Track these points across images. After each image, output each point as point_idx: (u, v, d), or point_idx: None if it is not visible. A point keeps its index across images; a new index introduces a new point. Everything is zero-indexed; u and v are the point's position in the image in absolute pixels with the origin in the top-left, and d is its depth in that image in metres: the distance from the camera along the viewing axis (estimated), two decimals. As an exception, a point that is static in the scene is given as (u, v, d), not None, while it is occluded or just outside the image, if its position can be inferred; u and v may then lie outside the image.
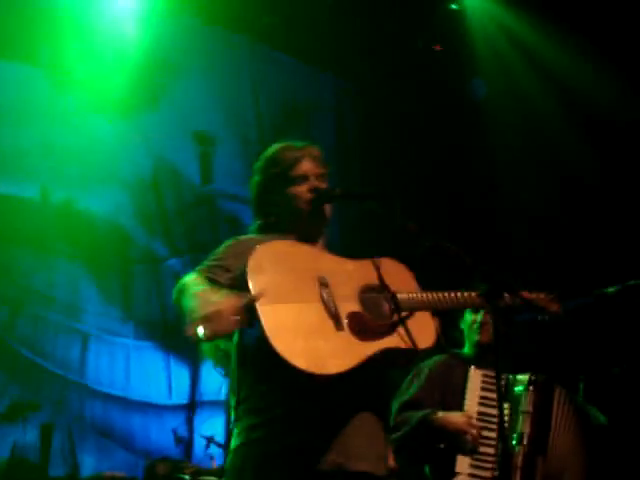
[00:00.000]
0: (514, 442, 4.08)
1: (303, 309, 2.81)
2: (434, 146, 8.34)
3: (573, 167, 7.55)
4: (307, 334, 2.75)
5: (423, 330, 2.93)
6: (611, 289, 4.25)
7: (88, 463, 7.36)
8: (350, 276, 2.97)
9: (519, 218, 7.80)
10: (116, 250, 7.95)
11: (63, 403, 7.43)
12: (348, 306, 2.87)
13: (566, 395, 4.25)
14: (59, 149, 7.45)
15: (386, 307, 2.93)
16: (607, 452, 4.25)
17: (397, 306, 2.92)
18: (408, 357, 2.98)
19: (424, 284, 3.15)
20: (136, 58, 7.64)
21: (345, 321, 2.83)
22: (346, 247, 3.26)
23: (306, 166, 3.16)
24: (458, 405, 4.19)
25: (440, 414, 4.08)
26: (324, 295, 2.85)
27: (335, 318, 2.82)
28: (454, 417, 4.08)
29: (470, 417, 4.09)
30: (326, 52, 8.57)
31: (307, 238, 3.12)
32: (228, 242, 3.10)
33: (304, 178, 3.14)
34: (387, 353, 2.86)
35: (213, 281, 2.89)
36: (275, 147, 3.25)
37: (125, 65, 7.61)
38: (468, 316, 4.49)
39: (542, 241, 7.55)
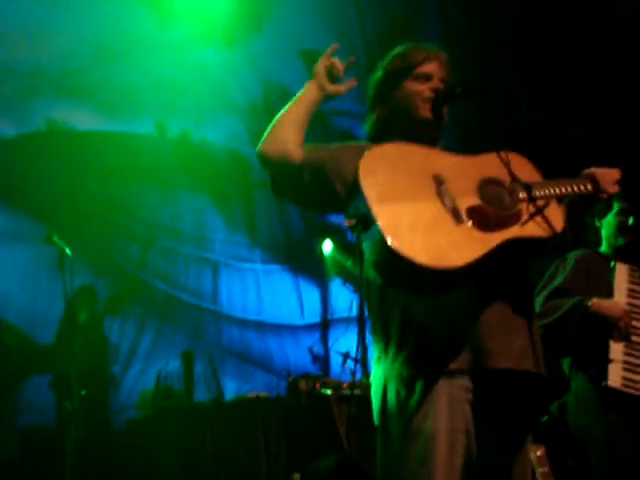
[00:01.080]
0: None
1: (419, 206, 2.73)
2: (549, 47, 8.02)
3: None
4: (426, 230, 2.67)
5: (551, 217, 2.82)
6: None
7: (230, 386, 7.56)
8: (468, 171, 2.88)
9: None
10: (236, 177, 8.03)
11: (200, 331, 7.64)
12: (467, 200, 2.78)
13: None
14: (170, 83, 7.51)
15: (508, 198, 2.84)
16: None
17: (528, 192, 2.83)
18: (539, 247, 2.89)
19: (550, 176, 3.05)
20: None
21: (465, 214, 2.77)
22: (465, 149, 3.18)
23: (432, 67, 3.05)
24: (607, 295, 4.12)
25: (595, 300, 4.02)
26: (441, 191, 2.79)
27: (454, 212, 2.76)
28: (609, 303, 4.02)
29: (624, 306, 4.04)
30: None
31: (424, 139, 3.04)
32: (338, 145, 3.06)
33: (428, 77, 3.04)
34: (515, 243, 2.78)
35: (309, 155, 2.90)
36: (404, 45, 3.16)
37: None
38: (611, 218, 4.37)
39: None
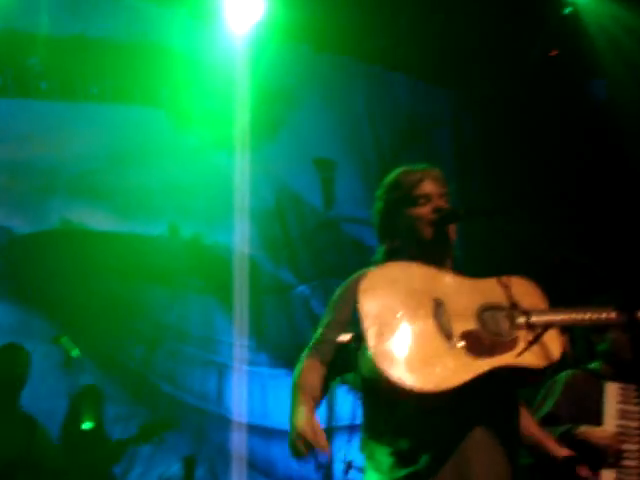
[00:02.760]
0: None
1: (414, 329, 2.78)
2: (559, 154, 8.14)
3: None
4: (417, 355, 2.72)
5: (547, 346, 2.84)
6: None
7: (231, 493, 7.46)
8: (470, 294, 2.91)
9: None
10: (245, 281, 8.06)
11: (204, 435, 7.57)
12: (464, 323, 2.81)
13: None
14: (184, 187, 7.63)
15: (506, 324, 2.85)
16: None
17: (526, 318, 2.84)
18: (533, 375, 2.89)
19: (553, 300, 3.06)
20: (252, 91, 7.74)
21: (459, 337, 2.78)
22: (475, 268, 3.20)
23: (428, 187, 3.12)
24: (594, 420, 4.06)
25: (583, 428, 3.97)
26: (439, 313, 2.81)
27: (448, 335, 2.78)
28: (598, 431, 3.97)
29: (614, 433, 3.97)
30: (440, 68, 8.52)
31: (433, 261, 3.06)
32: (340, 289, 3.12)
33: (427, 199, 3.10)
34: (508, 371, 2.79)
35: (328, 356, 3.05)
36: (395, 172, 3.23)
37: (242, 99, 7.72)
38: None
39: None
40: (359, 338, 2.78)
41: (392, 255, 3.12)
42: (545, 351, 2.81)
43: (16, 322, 7.28)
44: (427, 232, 3.06)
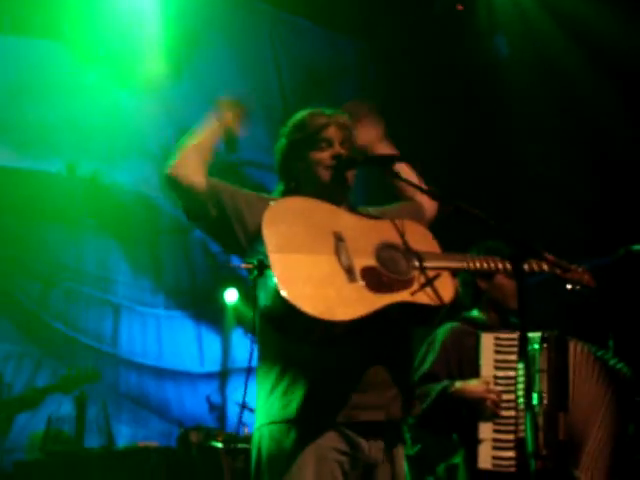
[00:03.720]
0: (534, 402, 4.05)
1: (315, 260, 2.84)
2: (456, 109, 8.27)
3: (601, 123, 7.44)
4: (317, 283, 2.79)
5: (441, 288, 2.93)
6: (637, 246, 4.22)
7: (124, 432, 7.48)
8: (368, 232, 2.99)
9: (542, 182, 7.71)
10: (144, 222, 8.01)
11: (97, 374, 7.55)
12: (363, 260, 2.89)
13: (582, 348, 4.19)
14: (84, 124, 7.50)
15: (403, 264, 2.93)
16: (632, 403, 4.22)
17: (419, 262, 2.93)
18: (427, 314, 2.99)
19: (445, 248, 3.16)
20: (158, 31, 7.63)
21: (358, 274, 2.85)
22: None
23: (331, 132, 3.17)
24: (475, 371, 4.16)
25: (458, 384, 4.05)
26: (339, 248, 2.88)
27: (348, 270, 2.85)
28: (472, 386, 4.04)
29: (488, 383, 4.07)
30: (347, 17, 8.52)
31: (329, 202, 3.14)
32: (251, 192, 3.14)
33: (328, 144, 3.15)
34: (403, 308, 2.88)
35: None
36: (303, 113, 3.25)
37: (147, 39, 7.60)
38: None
39: (568, 207, 7.47)
40: (262, 266, 2.81)
41: (289, 194, 3.17)
42: (438, 293, 2.91)
43: None
44: (324, 176, 3.12)
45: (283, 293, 2.71)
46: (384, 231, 3.02)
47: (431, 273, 2.93)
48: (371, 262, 2.88)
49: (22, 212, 7.40)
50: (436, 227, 3.33)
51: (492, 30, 8.35)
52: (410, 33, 8.54)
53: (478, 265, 3.11)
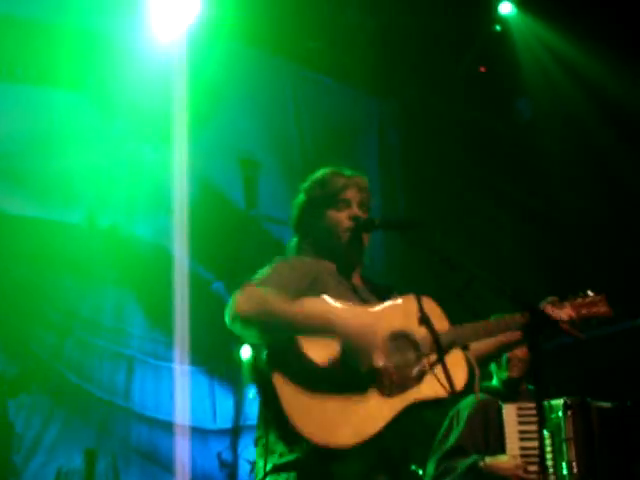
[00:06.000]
0: (564, 472, 4.03)
1: (323, 400, 2.78)
2: (479, 169, 8.28)
3: (625, 181, 7.48)
4: (328, 417, 2.75)
5: (454, 371, 2.88)
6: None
7: (133, 487, 7.41)
8: (376, 323, 2.90)
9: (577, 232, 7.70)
10: (161, 274, 8.00)
11: (108, 428, 7.50)
12: (370, 362, 2.81)
13: (604, 412, 4.17)
14: (104, 175, 7.53)
15: (412, 354, 2.89)
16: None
17: (431, 346, 2.88)
18: (440, 403, 2.94)
19: (459, 316, 3.11)
20: (181, 85, 7.68)
21: (367, 381, 2.80)
22: (391, 274, 3.25)
23: (351, 194, 3.19)
24: (501, 443, 4.13)
25: (488, 460, 4.04)
26: (346, 356, 2.83)
27: (357, 382, 2.80)
28: (502, 462, 4.04)
29: (516, 457, 4.05)
30: (369, 75, 8.57)
31: (344, 265, 3.16)
32: (274, 263, 3.09)
33: (347, 204, 3.16)
34: (414, 405, 2.84)
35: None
36: (324, 171, 3.28)
37: (170, 92, 7.66)
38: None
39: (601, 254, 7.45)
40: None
41: (304, 250, 3.16)
42: (452, 377, 2.86)
43: None
44: (342, 236, 3.12)
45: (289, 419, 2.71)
46: (390, 317, 2.97)
47: (446, 351, 2.89)
48: (379, 362, 2.82)
49: (40, 262, 7.42)
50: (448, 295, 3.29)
51: (515, 92, 8.38)
52: (433, 93, 8.59)
53: (494, 330, 3.07)
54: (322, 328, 2.80)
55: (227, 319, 2.90)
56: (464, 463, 4.03)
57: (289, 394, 2.73)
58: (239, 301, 2.86)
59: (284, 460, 2.81)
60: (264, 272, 3.03)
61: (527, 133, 8.29)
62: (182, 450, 7.89)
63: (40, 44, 7.38)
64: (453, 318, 3.08)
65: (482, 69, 8.55)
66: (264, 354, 2.84)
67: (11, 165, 7.49)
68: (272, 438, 2.86)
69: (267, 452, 2.87)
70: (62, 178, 7.42)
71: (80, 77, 7.58)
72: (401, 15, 7.95)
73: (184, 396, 8.02)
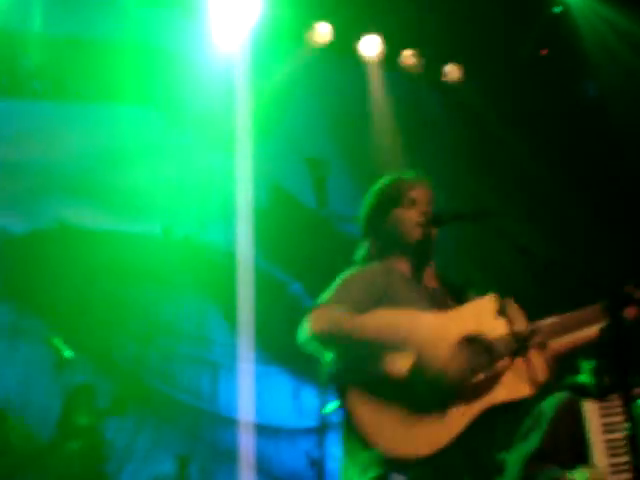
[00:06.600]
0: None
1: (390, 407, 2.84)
2: (550, 154, 8.19)
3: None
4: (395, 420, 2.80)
5: (532, 372, 2.88)
6: None
7: (226, 492, 7.50)
8: (448, 327, 2.91)
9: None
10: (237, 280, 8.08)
11: (197, 433, 7.61)
12: (442, 367, 2.83)
13: None
14: (177, 186, 7.65)
15: (486, 357, 2.88)
16: None
17: (516, 347, 2.88)
18: (518, 406, 2.93)
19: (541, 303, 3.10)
20: (247, 90, 7.75)
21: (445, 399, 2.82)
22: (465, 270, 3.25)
23: (416, 193, 3.24)
24: (583, 444, 4.06)
25: (569, 476, 3.97)
26: (421, 366, 2.84)
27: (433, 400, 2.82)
28: (589, 475, 3.97)
29: (601, 473, 3.97)
30: (433, 64, 8.53)
31: (416, 264, 3.21)
32: (342, 278, 3.13)
33: (414, 202, 3.20)
34: (492, 410, 2.85)
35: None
36: (390, 175, 3.36)
37: (235, 98, 7.73)
38: None
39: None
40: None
41: (377, 253, 3.20)
42: (530, 378, 2.85)
43: (9, 322, 7.31)
44: (412, 234, 3.15)
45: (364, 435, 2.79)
46: (463, 320, 2.97)
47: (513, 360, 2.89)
48: (449, 369, 2.83)
49: (119, 274, 7.55)
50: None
51: (580, 73, 8.27)
52: (497, 79, 8.51)
53: (575, 323, 3.04)
54: (393, 340, 2.84)
55: (301, 339, 2.98)
56: (545, 476, 3.96)
57: (363, 407, 2.79)
58: (311, 323, 2.96)
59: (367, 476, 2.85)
60: (333, 289, 3.09)
61: (594, 114, 8.17)
62: (268, 450, 7.97)
63: (103, 62, 7.54)
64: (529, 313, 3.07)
65: (544, 52, 8.46)
66: (338, 368, 2.89)
67: (86, 182, 7.67)
68: (353, 447, 2.91)
69: (351, 463, 2.91)
70: (135, 191, 7.56)
71: (145, 91, 7.71)
72: (459, 2, 7.89)
73: (269, 397, 8.10)
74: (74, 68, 7.64)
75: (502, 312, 2.98)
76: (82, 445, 5.72)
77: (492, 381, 2.85)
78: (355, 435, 2.84)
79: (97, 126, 7.69)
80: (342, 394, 2.85)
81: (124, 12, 7.31)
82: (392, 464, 2.77)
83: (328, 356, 2.98)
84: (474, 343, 2.91)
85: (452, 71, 8.68)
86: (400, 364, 2.83)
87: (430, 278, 3.23)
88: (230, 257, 8.04)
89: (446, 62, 8.58)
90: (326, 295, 3.07)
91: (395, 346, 2.83)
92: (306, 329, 2.96)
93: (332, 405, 5.03)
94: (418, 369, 2.80)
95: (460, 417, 2.79)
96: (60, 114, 7.69)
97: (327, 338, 2.92)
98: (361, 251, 3.30)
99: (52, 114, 7.66)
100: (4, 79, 7.49)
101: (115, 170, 7.65)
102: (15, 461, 5.34)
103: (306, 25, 7.92)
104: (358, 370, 2.86)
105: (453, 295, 3.18)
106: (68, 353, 5.38)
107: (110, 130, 7.67)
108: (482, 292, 3.07)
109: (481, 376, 2.84)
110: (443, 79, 8.74)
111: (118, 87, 7.58)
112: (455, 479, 2.86)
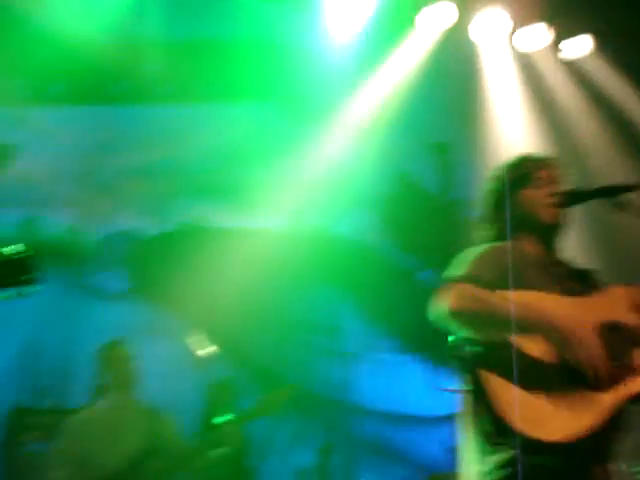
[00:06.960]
0: None
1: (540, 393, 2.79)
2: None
3: None
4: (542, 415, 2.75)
5: None
6: None
7: (367, 481, 7.51)
8: (584, 313, 2.86)
9: None
10: (368, 270, 8.09)
11: (338, 424, 7.65)
12: (583, 355, 2.77)
13: None
14: (304, 180, 7.67)
15: (622, 345, 2.80)
16: None
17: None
18: None
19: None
20: (368, 81, 7.72)
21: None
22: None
23: (545, 173, 3.17)
24: None
25: None
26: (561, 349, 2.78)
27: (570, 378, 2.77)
28: None
29: None
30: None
31: (545, 243, 3.15)
32: (471, 257, 3.07)
33: (543, 181, 3.12)
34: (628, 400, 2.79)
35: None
36: (515, 157, 3.28)
37: (352, 89, 7.71)
38: None
39: None
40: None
41: (502, 234, 3.14)
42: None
43: (149, 320, 7.51)
44: (544, 214, 3.08)
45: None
46: (598, 307, 2.92)
47: None
48: (587, 356, 2.75)
49: (252, 269, 7.62)
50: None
51: None
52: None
53: None
54: (533, 322, 2.76)
55: (437, 316, 2.91)
56: None
57: (500, 389, 2.71)
58: (452, 299, 2.88)
59: (501, 458, 2.80)
60: (465, 264, 3.03)
61: None
62: (405, 439, 7.96)
63: (222, 62, 7.63)
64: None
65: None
66: (475, 349, 2.83)
67: (213, 181, 7.81)
68: (485, 431, 2.86)
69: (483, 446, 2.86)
70: (262, 187, 7.64)
71: (264, 87, 7.78)
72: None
73: (404, 386, 8.09)
74: (194, 70, 7.77)
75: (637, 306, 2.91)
76: (228, 450, 5.72)
77: (628, 371, 2.75)
78: (488, 417, 2.77)
79: (219, 126, 7.82)
80: (476, 376, 2.77)
81: (239, 11, 7.36)
82: (524, 447, 2.69)
83: (461, 334, 2.92)
84: (610, 331, 2.82)
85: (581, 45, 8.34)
86: (539, 347, 2.76)
87: (557, 260, 3.15)
88: (359, 247, 8.05)
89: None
90: (458, 270, 2.99)
91: (537, 328, 2.77)
92: (444, 305, 2.89)
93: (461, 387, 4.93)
94: (557, 353, 2.73)
95: (595, 406, 2.71)
96: (183, 117, 7.84)
97: (469, 315, 2.85)
98: (484, 232, 3.23)
99: (175, 117, 7.83)
100: (128, 86, 7.69)
101: (240, 168, 7.76)
102: (165, 464, 5.40)
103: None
104: (494, 350, 2.78)
105: (579, 278, 3.09)
106: (209, 349, 5.45)
107: (232, 128, 7.78)
108: (607, 279, 3.01)
109: (617, 365, 2.75)
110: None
111: (237, 85, 7.67)
112: (584, 469, 2.80)
